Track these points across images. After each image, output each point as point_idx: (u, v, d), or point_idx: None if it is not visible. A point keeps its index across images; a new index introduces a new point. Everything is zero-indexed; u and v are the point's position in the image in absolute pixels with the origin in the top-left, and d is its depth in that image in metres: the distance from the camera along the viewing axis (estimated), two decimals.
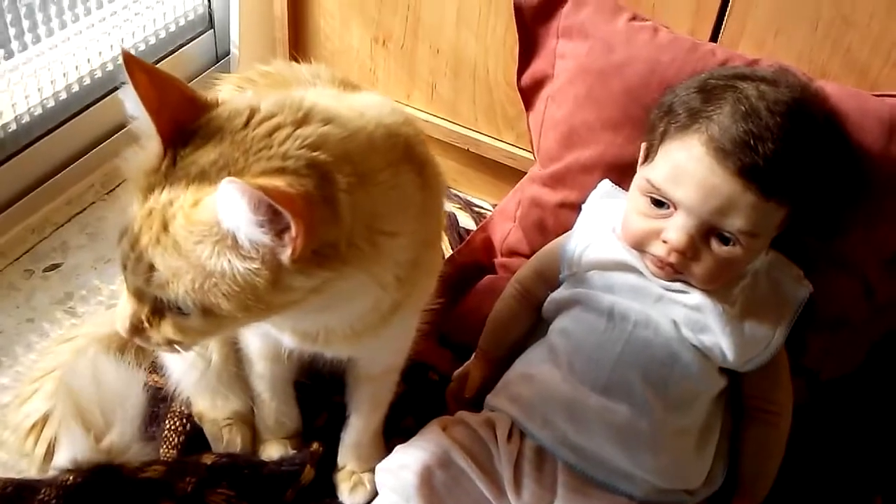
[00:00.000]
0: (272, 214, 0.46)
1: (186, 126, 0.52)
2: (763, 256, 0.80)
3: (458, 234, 1.23)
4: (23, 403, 0.85)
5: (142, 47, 1.31)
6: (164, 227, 0.50)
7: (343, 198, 0.51)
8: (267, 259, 0.49)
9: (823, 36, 0.86)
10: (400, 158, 0.58)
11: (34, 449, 0.82)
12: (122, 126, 1.27)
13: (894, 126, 0.80)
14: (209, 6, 1.43)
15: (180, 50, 1.38)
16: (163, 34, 1.35)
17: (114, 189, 1.22)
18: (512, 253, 1.09)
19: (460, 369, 0.93)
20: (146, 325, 0.55)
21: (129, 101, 0.51)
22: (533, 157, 1.09)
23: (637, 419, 0.75)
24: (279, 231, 0.48)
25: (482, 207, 1.31)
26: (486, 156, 1.27)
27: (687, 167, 0.73)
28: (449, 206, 1.30)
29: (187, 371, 0.81)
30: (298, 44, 1.34)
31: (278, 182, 0.48)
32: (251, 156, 0.50)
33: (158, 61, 1.33)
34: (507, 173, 1.24)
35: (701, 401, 0.79)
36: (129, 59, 0.49)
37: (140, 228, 0.51)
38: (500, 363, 0.89)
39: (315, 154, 0.50)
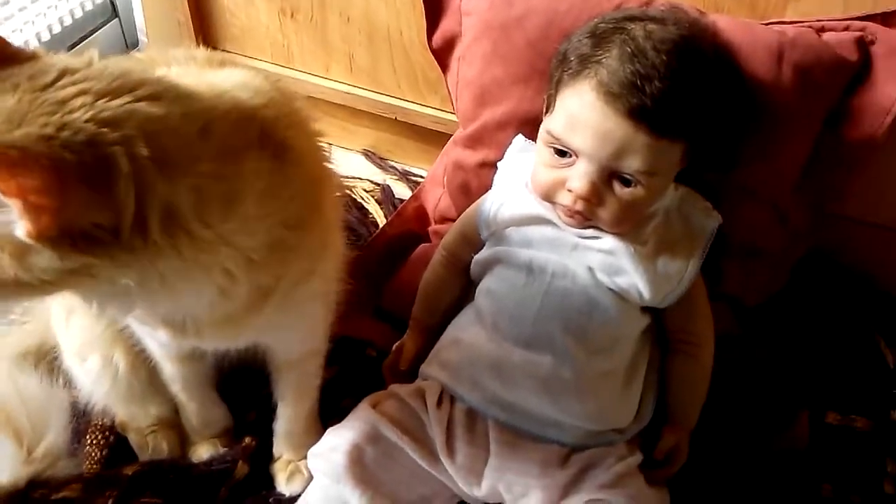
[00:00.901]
0: None
1: None
2: (673, 193, 0.85)
3: (393, 205, 1.27)
4: None
5: (46, 37, 1.31)
6: None
7: (124, 183, 0.48)
8: (2, 230, 0.47)
9: None
10: (247, 145, 0.56)
11: None
12: None
13: (782, 53, 0.85)
14: None
15: (85, 41, 1.39)
16: (68, 23, 1.36)
17: None
18: (444, 219, 1.13)
19: (398, 342, 0.97)
20: None
21: None
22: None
23: (560, 368, 0.81)
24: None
25: (420, 176, 1.34)
26: (415, 123, 1.30)
27: (581, 114, 0.78)
28: (385, 178, 1.34)
29: (96, 382, 0.82)
30: (204, 25, 1.36)
31: (20, 146, 0.45)
32: (30, 117, 0.47)
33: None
34: (438, 139, 1.27)
35: (624, 342, 0.84)
36: None
37: None
38: (434, 331, 0.94)
39: (103, 130, 0.48)
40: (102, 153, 0.48)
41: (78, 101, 0.48)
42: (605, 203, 0.80)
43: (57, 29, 1.34)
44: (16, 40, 1.24)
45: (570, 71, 0.80)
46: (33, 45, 1.29)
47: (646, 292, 0.82)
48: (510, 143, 0.96)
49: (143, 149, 0.49)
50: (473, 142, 1.03)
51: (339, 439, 0.79)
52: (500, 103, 0.98)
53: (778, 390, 0.96)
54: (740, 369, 0.94)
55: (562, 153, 0.81)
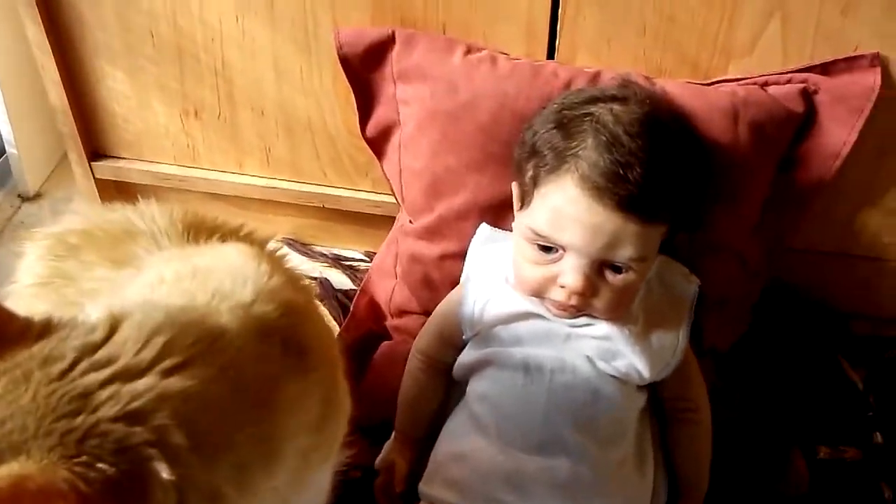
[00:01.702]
0: None
1: None
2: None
3: (337, 299, 1.24)
4: None
5: None
6: None
7: (160, 491, 0.44)
8: None
9: (653, 37, 0.96)
10: (276, 374, 0.54)
11: None
12: None
13: (737, 113, 0.91)
14: None
15: None
16: None
17: None
18: (402, 312, 1.11)
19: (381, 456, 0.95)
20: None
21: None
22: (397, 202, 1.12)
23: (578, 469, 0.81)
24: None
25: (353, 258, 1.32)
26: (345, 209, 1.28)
27: (566, 210, 0.79)
28: (315, 267, 1.31)
29: None
30: (92, 132, 1.28)
31: (40, 477, 0.41)
32: (45, 426, 0.43)
33: None
34: (373, 220, 1.26)
35: (628, 426, 0.86)
36: None
37: None
38: (422, 442, 0.92)
39: (134, 430, 0.44)
40: (136, 459, 0.44)
41: (105, 393, 0.44)
42: (599, 293, 0.82)
43: None
44: None
45: (547, 167, 0.81)
46: None
47: (645, 371, 0.84)
48: (472, 233, 0.97)
49: (178, 438, 0.45)
50: (430, 234, 1.03)
51: None
52: (457, 193, 0.98)
53: (766, 434, 1.01)
54: (726, 421, 0.99)
55: (547, 249, 0.82)
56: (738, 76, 0.96)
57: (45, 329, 0.48)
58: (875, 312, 1.18)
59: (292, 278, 0.64)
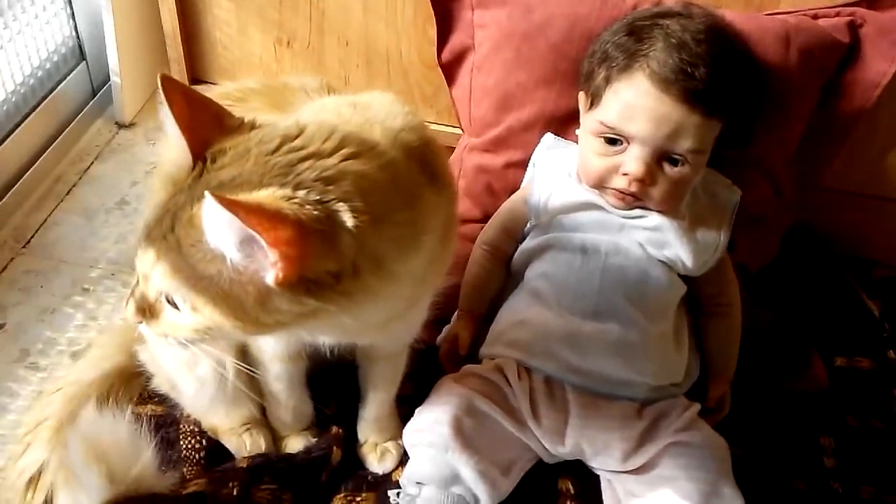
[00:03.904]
0: (249, 235, 0.50)
1: (217, 144, 0.58)
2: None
3: None
4: (17, 460, 0.87)
5: (10, 87, 1.29)
6: (172, 227, 0.56)
7: (346, 237, 0.55)
8: (252, 276, 0.54)
9: None
10: (420, 184, 0.64)
11: (33, 498, 0.84)
12: (16, 180, 1.27)
13: (788, 37, 1.00)
14: (77, 35, 1.44)
15: (59, 87, 1.38)
16: (36, 66, 1.34)
17: (29, 240, 1.22)
18: (464, 221, 1.20)
19: (443, 334, 1.03)
20: (147, 313, 0.61)
21: (166, 119, 0.57)
22: (461, 130, 1.21)
23: (627, 333, 0.90)
24: (265, 251, 0.51)
25: None
26: None
27: (636, 102, 0.88)
28: None
29: (204, 387, 0.85)
30: (195, 58, 1.39)
31: (273, 205, 0.52)
32: (268, 178, 0.54)
33: (37, 105, 1.33)
34: None
35: (671, 307, 0.94)
36: (166, 80, 0.56)
37: (153, 223, 0.58)
38: (482, 319, 1.01)
39: (328, 188, 0.55)
40: (330, 209, 0.55)
41: (304, 165, 0.55)
42: (656, 183, 0.90)
43: (27, 70, 1.32)
44: None
45: (619, 66, 0.90)
46: None
47: (689, 261, 0.93)
48: (536, 142, 1.05)
49: (359, 204, 0.55)
50: (496, 145, 1.12)
51: (438, 413, 0.85)
52: (525, 106, 1.07)
53: (789, 342, 1.09)
54: (758, 327, 1.06)
55: (613, 141, 0.91)
56: (791, 9, 1.04)
57: (253, 125, 0.61)
58: None
59: (425, 124, 0.73)
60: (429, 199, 0.65)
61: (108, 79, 1.45)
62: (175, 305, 0.59)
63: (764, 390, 1.02)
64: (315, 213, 0.53)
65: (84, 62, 1.45)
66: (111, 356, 0.95)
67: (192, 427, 0.90)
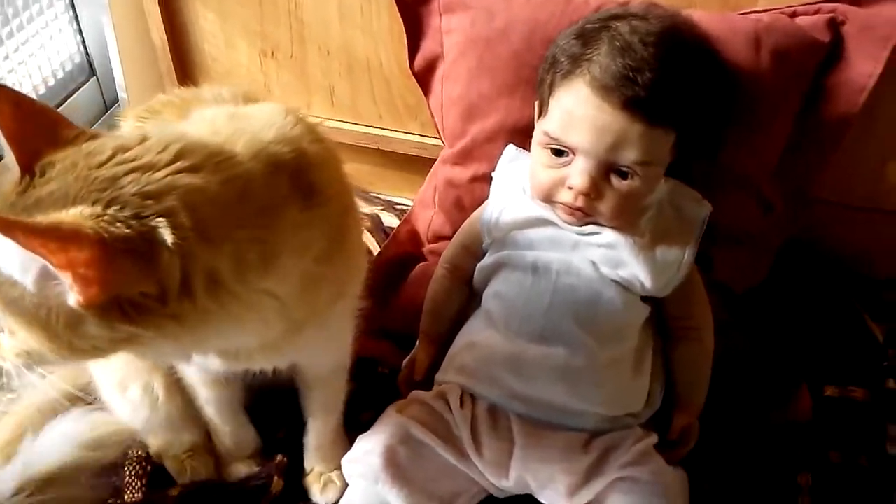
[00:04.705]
0: (31, 258, 0.47)
1: (48, 156, 0.53)
2: (663, 186, 0.89)
3: (384, 232, 1.29)
4: None
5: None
6: None
7: (167, 254, 0.51)
8: (57, 299, 0.50)
9: None
10: (281, 201, 0.59)
11: None
12: None
13: (759, 38, 0.90)
14: (86, 52, 1.46)
15: (66, 103, 1.40)
16: (50, 84, 1.37)
17: None
18: (438, 238, 1.16)
19: (408, 357, 0.99)
20: None
21: None
22: (441, 143, 1.17)
23: (574, 357, 0.83)
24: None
25: (404, 205, 1.37)
26: (396, 151, 1.33)
27: (576, 111, 0.81)
28: (371, 209, 1.37)
29: (137, 410, 0.84)
30: (185, 72, 1.39)
31: (71, 224, 0.48)
32: (84, 193, 0.51)
33: None
34: (421, 165, 1.31)
35: (629, 331, 0.87)
36: None
37: None
38: (442, 343, 0.96)
39: (147, 202, 0.51)
40: (147, 226, 0.50)
41: (128, 178, 0.52)
42: (604, 197, 0.83)
43: (42, 90, 1.35)
44: None
45: (562, 72, 0.84)
46: None
47: (647, 282, 0.85)
48: (500, 154, 0.99)
49: (184, 219, 0.51)
50: (463, 157, 1.07)
51: (372, 443, 0.81)
52: (489, 116, 1.02)
53: (774, 368, 0.99)
54: (734, 352, 0.97)
55: (559, 153, 0.84)
56: (768, 7, 0.95)
57: (93, 136, 0.56)
58: None
59: (316, 134, 0.68)
60: (291, 216, 0.60)
61: (116, 98, 1.47)
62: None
63: (739, 421, 0.93)
64: (126, 230, 0.49)
65: (94, 77, 1.48)
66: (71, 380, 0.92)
67: (137, 452, 0.88)
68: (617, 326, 0.86)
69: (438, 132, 1.16)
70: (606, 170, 0.83)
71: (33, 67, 1.33)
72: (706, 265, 0.96)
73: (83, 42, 1.44)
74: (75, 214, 0.49)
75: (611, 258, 0.86)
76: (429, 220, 1.17)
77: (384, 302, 1.10)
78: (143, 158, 0.53)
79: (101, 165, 0.52)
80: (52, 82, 1.37)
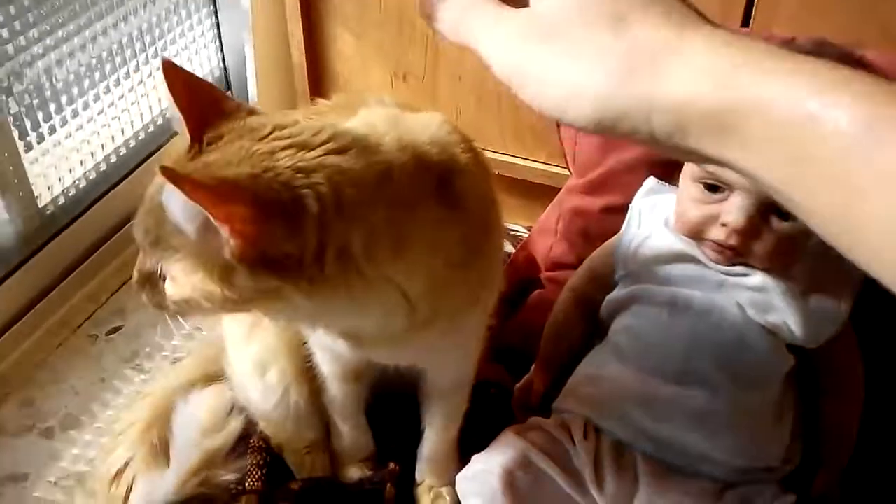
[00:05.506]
0: (197, 210, 0.51)
1: (214, 128, 0.58)
2: None
3: None
4: (108, 454, 0.92)
5: (160, 121, 1.38)
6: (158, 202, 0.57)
7: (310, 222, 0.54)
8: (214, 250, 0.54)
9: (858, 9, 0.92)
10: (423, 195, 0.60)
11: (116, 491, 0.89)
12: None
13: None
14: (224, 67, 1.53)
15: None
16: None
17: None
18: (557, 266, 1.14)
19: (522, 381, 0.97)
20: (148, 284, 0.61)
21: (166, 101, 0.58)
22: (569, 172, 1.15)
23: (714, 402, 0.79)
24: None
25: (518, 231, 1.36)
26: (519, 177, 1.33)
27: None
28: None
29: (270, 394, 0.86)
30: (321, 91, 1.43)
31: (233, 181, 0.52)
32: (246, 160, 0.55)
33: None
34: (540, 193, 1.30)
35: (773, 380, 0.82)
36: (167, 65, 0.57)
37: (147, 198, 0.59)
38: (560, 370, 0.93)
39: (297, 175, 0.54)
40: (296, 194, 0.54)
41: (284, 153, 0.55)
42: (760, 237, 0.79)
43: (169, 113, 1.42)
44: (141, 111, 1.33)
45: None
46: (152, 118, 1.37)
47: (797, 331, 0.80)
48: (638, 186, 0.97)
49: (327, 195, 0.55)
50: (596, 188, 1.05)
51: (490, 463, 0.79)
52: (628, 147, 1.00)
53: None
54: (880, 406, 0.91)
55: (713, 188, 0.80)
56: None
57: (252, 111, 0.60)
58: None
59: (470, 145, 0.69)
60: (430, 213, 0.61)
61: None
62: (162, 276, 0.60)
63: (881, 483, 0.86)
64: (278, 195, 0.53)
65: (229, 92, 1.55)
66: (199, 366, 0.98)
67: (259, 443, 0.90)
68: (761, 373, 0.81)
69: (566, 162, 1.15)
70: (766, 208, 0.78)
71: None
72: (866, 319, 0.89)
73: (223, 59, 1.52)
74: (236, 173, 0.53)
75: (760, 302, 0.81)
76: (548, 247, 1.15)
77: (500, 325, 1.09)
78: (299, 137, 0.57)
79: (261, 139, 0.56)
80: None
